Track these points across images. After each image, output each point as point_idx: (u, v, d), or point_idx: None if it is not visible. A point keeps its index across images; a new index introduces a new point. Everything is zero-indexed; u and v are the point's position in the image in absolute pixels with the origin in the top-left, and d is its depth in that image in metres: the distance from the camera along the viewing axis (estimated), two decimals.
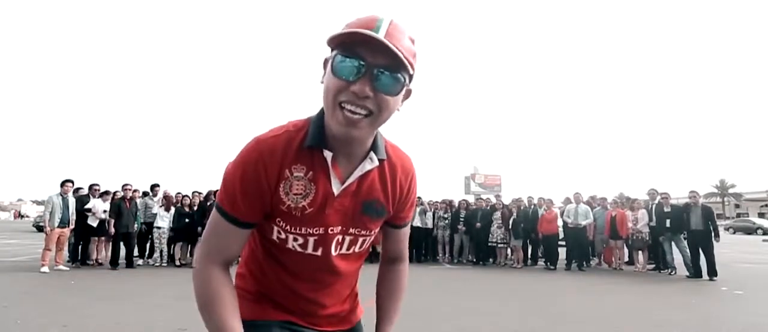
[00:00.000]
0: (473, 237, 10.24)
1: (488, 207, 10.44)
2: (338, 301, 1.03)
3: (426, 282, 7.47)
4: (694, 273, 7.94)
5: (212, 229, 0.88)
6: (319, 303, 1.00)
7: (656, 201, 9.14)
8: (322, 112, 0.86)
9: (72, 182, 8.10)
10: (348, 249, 0.96)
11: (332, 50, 0.79)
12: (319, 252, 0.92)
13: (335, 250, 0.94)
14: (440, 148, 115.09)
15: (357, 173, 0.89)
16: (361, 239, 0.96)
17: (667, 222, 8.59)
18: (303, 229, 0.89)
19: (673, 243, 8.61)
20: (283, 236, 0.90)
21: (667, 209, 8.77)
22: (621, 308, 5.41)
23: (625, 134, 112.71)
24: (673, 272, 8.51)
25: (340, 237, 0.93)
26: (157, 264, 8.72)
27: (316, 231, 0.89)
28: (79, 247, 8.56)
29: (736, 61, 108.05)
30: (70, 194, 8.04)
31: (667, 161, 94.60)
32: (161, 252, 8.82)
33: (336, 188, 0.88)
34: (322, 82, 0.82)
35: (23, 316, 4.38)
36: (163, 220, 8.71)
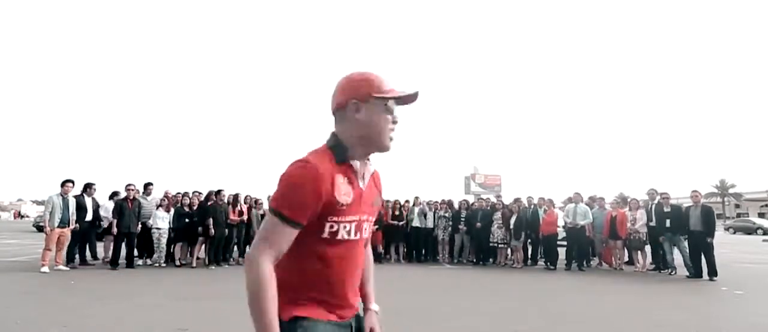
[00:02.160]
0: (474, 237, 10.24)
1: (489, 208, 10.46)
2: (355, 288, 1.26)
3: (426, 282, 7.47)
4: (694, 273, 7.95)
5: (270, 230, 1.09)
6: (351, 289, 1.21)
7: (656, 201, 9.14)
8: (333, 138, 1.18)
9: (72, 182, 8.10)
10: (365, 233, 1.24)
11: (376, 98, 1.15)
12: (357, 236, 1.19)
13: (365, 233, 1.23)
14: (440, 148, 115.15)
15: (368, 174, 1.23)
16: (369, 225, 1.24)
17: (667, 222, 8.59)
18: (349, 217, 1.16)
19: (673, 243, 8.61)
20: (335, 229, 1.14)
21: (666, 209, 8.76)
22: (621, 308, 5.42)
23: (625, 134, 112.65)
24: (673, 272, 8.51)
25: (365, 224, 1.22)
26: (157, 264, 8.72)
27: (357, 218, 1.18)
28: (85, 246, 8.67)
29: (736, 61, 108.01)
30: (71, 194, 8.05)
31: (667, 161, 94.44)
32: (161, 252, 8.80)
33: (362, 185, 1.20)
34: (358, 117, 1.15)
35: (23, 316, 4.39)
36: (163, 221, 8.70)
